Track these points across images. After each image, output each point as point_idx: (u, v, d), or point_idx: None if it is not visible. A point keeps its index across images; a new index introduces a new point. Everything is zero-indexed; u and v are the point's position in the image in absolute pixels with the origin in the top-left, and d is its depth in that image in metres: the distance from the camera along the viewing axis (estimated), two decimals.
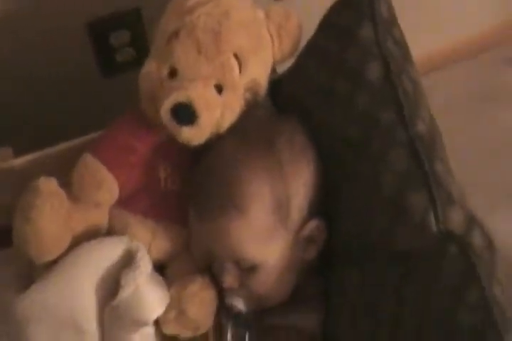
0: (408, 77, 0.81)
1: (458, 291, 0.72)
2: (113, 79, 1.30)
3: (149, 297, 0.89)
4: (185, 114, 0.81)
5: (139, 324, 0.88)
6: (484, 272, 0.72)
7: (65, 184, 0.93)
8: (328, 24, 0.92)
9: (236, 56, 0.82)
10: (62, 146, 1.05)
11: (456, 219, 0.76)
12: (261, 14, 0.85)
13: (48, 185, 0.90)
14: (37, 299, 0.90)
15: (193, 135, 0.82)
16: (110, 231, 0.95)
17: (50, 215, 0.88)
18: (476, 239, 0.75)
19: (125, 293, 0.87)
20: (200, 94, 0.80)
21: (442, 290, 0.73)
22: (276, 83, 0.91)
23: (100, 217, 0.95)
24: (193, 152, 0.91)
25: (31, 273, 1.00)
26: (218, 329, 0.94)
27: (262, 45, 0.84)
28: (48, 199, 0.88)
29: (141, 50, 1.22)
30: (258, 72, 0.84)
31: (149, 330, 0.91)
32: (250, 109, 0.87)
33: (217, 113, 0.82)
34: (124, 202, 0.93)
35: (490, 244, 0.75)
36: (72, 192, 0.92)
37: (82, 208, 0.93)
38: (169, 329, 0.91)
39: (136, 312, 0.88)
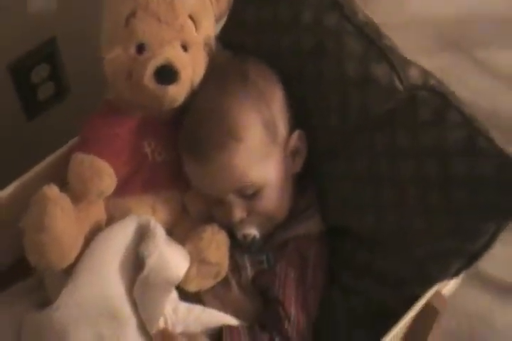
0: None
1: (440, 118, 0.90)
2: (37, 119, 1.35)
3: (173, 256, 0.97)
4: (168, 74, 0.93)
5: (171, 284, 0.95)
6: (453, 99, 0.92)
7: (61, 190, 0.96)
8: None
9: (191, 17, 0.96)
10: (40, 166, 1.08)
11: (414, 75, 0.95)
12: None
13: (53, 190, 0.94)
14: (71, 301, 0.94)
15: (178, 92, 0.95)
16: (110, 223, 1.01)
17: (63, 219, 0.93)
18: (435, 83, 0.95)
19: (152, 261, 0.95)
20: (174, 55, 0.94)
21: (426, 125, 0.92)
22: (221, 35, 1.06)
23: (99, 212, 1.02)
24: (168, 121, 1.03)
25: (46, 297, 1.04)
26: (236, 269, 1.04)
27: (206, 4, 0.99)
28: (57, 203, 0.93)
29: (61, 82, 1.32)
30: (209, 28, 0.99)
31: (174, 295, 0.98)
32: (212, 59, 1.00)
33: (190, 69, 0.96)
34: (119, 189, 1.00)
35: (444, 84, 0.95)
36: (71, 192, 0.97)
37: (83, 207, 0.99)
38: (193, 286, 0.99)
39: (166, 274, 0.95)
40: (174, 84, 0.94)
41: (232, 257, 1.03)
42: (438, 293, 0.98)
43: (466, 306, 1.43)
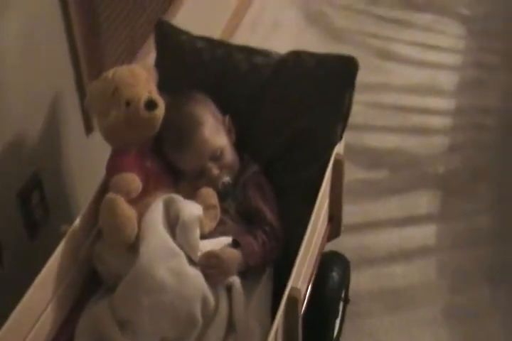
0: None
1: (299, 59, 1.81)
2: (36, 238, 1.82)
3: (193, 206, 1.62)
4: (153, 103, 1.66)
5: (198, 221, 1.57)
6: (298, 51, 1.84)
7: None
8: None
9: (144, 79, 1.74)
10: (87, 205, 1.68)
11: (274, 53, 1.85)
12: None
13: (112, 194, 1.60)
14: (149, 249, 1.53)
15: (160, 114, 1.68)
16: (141, 217, 1.59)
17: (127, 207, 1.59)
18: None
19: (184, 212, 1.57)
20: (150, 95, 1.69)
21: (291, 67, 1.83)
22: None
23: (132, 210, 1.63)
24: (150, 145, 1.73)
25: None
26: (224, 210, 1.70)
27: (148, 74, 1.76)
28: (120, 199, 1.59)
29: (46, 202, 1.89)
30: (154, 84, 1.77)
31: None
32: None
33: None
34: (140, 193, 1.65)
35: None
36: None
37: None
38: (206, 228, 1.60)
39: (194, 215, 1.56)
40: (158, 109, 1.69)
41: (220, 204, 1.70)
42: (338, 153, 1.79)
43: None
